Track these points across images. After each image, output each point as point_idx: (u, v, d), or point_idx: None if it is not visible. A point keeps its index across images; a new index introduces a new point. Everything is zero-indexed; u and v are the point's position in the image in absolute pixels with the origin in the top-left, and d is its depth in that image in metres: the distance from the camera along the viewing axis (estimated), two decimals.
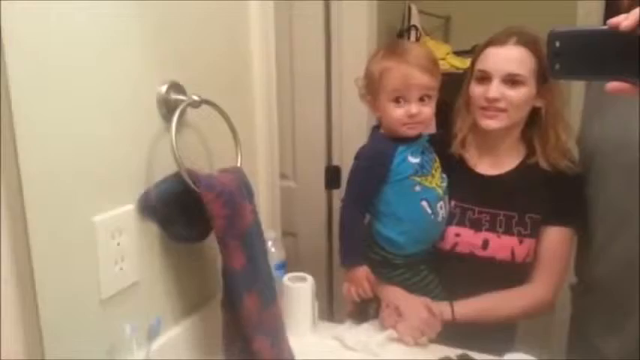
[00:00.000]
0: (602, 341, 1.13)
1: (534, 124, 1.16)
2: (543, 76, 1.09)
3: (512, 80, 1.09)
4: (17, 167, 0.60)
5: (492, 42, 1.13)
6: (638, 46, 0.63)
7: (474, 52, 1.20)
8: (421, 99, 1.04)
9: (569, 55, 0.67)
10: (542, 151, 1.14)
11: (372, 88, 1.08)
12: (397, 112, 1.05)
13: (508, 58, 1.09)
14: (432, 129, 1.85)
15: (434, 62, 1.07)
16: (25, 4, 0.60)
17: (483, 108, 1.12)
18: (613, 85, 0.65)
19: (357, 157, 1.13)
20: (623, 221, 1.08)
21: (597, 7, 1.97)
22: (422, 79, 1.03)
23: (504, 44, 1.10)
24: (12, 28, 0.58)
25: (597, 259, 1.15)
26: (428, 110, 1.06)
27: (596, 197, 1.13)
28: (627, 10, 0.64)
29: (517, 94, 1.09)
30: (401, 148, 1.08)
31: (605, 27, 0.65)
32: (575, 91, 1.69)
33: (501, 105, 1.09)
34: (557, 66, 0.68)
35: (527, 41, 1.09)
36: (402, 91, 1.04)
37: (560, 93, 1.13)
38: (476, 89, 1.13)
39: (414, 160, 1.09)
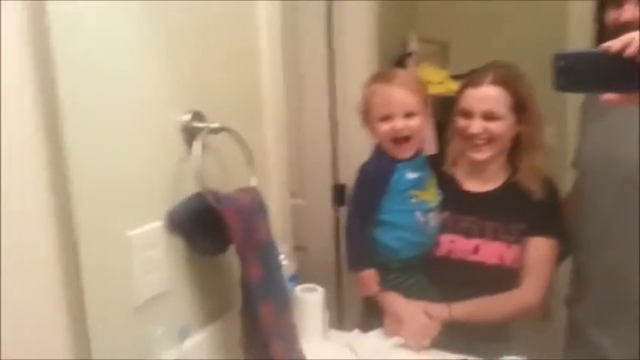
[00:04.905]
0: (599, 340, 1.20)
1: (517, 148, 1.27)
2: (521, 107, 1.21)
3: (490, 116, 1.20)
4: (68, 192, 0.70)
5: (470, 83, 1.25)
6: (625, 65, 0.74)
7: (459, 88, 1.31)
8: (407, 115, 1.15)
9: (570, 72, 0.79)
10: (520, 172, 1.26)
11: (365, 111, 1.21)
12: (384, 128, 1.16)
13: (485, 97, 1.21)
14: (433, 149, 1.95)
15: (416, 82, 1.19)
16: (81, 57, 0.72)
17: (469, 139, 1.23)
18: (606, 96, 0.78)
19: (360, 172, 1.23)
20: (609, 231, 1.16)
21: (586, 31, 2.07)
22: (403, 96, 1.14)
23: (480, 85, 1.21)
24: (67, 87, 0.69)
25: (588, 268, 1.24)
26: (413, 124, 1.16)
27: (588, 211, 1.22)
28: (615, 36, 0.77)
29: (496, 126, 1.20)
30: (400, 165, 1.19)
31: (599, 50, 0.77)
32: (571, 116, 1.79)
33: (484, 137, 1.21)
34: (560, 81, 0.79)
35: (500, 80, 1.20)
36: (386, 109, 1.15)
37: (538, 121, 1.24)
38: (460, 123, 1.25)
39: (412, 175, 1.20)
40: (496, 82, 1.20)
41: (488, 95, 1.20)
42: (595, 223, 1.20)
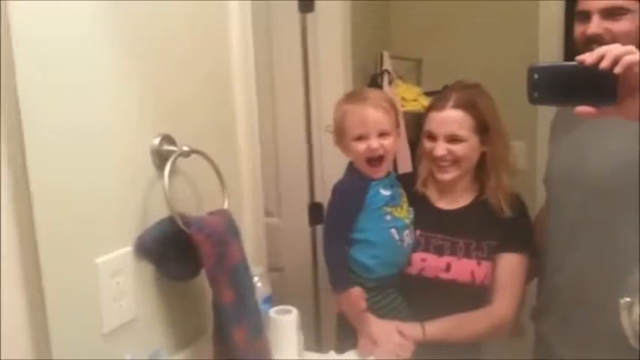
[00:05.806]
0: (561, 352, 1.22)
1: (484, 166, 1.29)
2: (484, 128, 1.24)
3: (454, 139, 1.23)
4: (32, 218, 0.69)
5: (433, 106, 1.28)
6: (599, 78, 0.76)
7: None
8: (381, 135, 1.17)
9: (545, 85, 0.80)
10: (488, 190, 1.28)
11: (338, 131, 1.22)
12: (360, 147, 1.18)
13: (447, 121, 1.24)
14: (408, 167, 1.97)
15: (388, 102, 1.21)
16: (46, 79, 0.71)
17: (435, 161, 1.26)
18: (580, 108, 0.79)
19: (334, 192, 1.24)
20: (573, 241, 1.18)
21: (557, 47, 2.14)
22: (376, 116, 1.16)
23: (443, 109, 1.24)
24: (30, 110, 0.68)
25: (552, 280, 1.26)
26: (388, 143, 1.18)
27: (553, 223, 1.25)
28: (583, 49, 0.78)
29: (460, 149, 1.24)
30: (373, 183, 1.21)
31: (573, 63, 0.79)
32: (542, 131, 1.82)
33: (448, 159, 1.24)
34: (535, 94, 0.81)
35: (462, 103, 1.23)
36: (361, 129, 1.17)
37: (503, 140, 1.27)
38: (426, 145, 1.28)
39: (386, 192, 1.22)
40: (458, 105, 1.23)
41: (450, 119, 1.23)
42: (560, 234, 1.23)
